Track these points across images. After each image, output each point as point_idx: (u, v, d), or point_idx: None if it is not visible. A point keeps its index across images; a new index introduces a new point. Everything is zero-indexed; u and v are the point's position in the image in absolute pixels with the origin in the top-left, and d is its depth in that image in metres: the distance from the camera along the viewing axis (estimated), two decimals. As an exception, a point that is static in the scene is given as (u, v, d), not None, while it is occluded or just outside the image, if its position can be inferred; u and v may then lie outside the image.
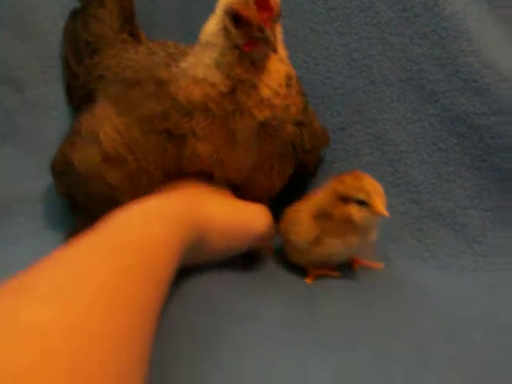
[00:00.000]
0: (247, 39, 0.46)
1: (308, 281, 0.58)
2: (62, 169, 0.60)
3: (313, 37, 0.70)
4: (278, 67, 0.49)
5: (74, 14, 0.74)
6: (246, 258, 0.57)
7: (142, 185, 0.52)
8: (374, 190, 0.54)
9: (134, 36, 0.70)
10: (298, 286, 0.57)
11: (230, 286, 0.51)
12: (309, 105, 0.61)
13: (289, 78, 0.50)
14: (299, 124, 0.58)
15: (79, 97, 0.66)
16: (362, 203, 0.53)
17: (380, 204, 0.53)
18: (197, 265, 0.49)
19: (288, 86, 0.50)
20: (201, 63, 0.49)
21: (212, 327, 0.44)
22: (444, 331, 0.48)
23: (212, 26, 0.49)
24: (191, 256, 0.44)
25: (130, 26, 0.70)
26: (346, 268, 0.60)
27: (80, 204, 0.58)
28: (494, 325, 0.50)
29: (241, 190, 0.57)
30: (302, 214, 0.58)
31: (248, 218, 0.53)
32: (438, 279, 0.59)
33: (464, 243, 0.63)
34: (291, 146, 0.58)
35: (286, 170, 0.60)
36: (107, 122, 0.53)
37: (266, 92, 0.48)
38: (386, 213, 0.52)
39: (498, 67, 0.64)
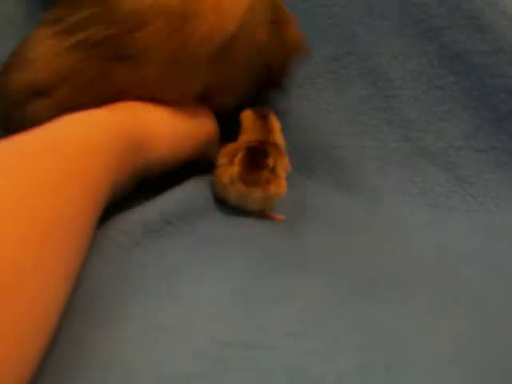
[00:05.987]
0: None
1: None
2: None
3: (310, -38, 0.66)
4: None
5: None
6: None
7: None
8: None
9: None
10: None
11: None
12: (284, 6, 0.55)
13: None
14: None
15: None
16: None
17: None
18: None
19: None
20: None
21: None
22: (433, 264, 0.46)
23: None
24: (134, 165, 0.41)
25: None
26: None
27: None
28: (484, 261, 0.48)
29: None
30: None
31: (193, 125, 0.51)
32: (428, 216, 0.57)
33: (455, 183, 0.60)
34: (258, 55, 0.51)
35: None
36: (39, 45, 0.44)
37: None
38: None
39: (501, 4, 0.61)
